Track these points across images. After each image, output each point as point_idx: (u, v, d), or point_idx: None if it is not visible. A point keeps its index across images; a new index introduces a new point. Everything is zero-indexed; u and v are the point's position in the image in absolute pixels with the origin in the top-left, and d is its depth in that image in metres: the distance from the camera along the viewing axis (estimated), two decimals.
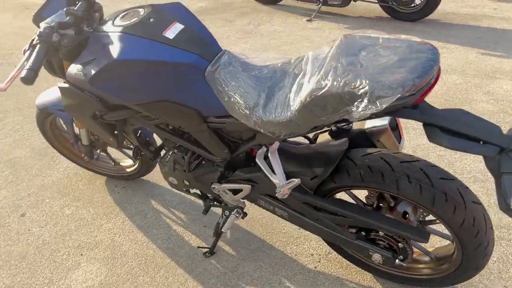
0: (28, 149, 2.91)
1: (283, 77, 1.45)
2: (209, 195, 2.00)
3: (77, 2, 1.77)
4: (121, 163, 2.55)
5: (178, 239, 2.16)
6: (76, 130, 2.47)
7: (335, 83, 1.20)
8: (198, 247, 2.06)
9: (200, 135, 1.66)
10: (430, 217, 1.68)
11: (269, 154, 1.58)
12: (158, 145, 2.13)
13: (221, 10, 5.57)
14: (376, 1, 4.81)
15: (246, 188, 1.74)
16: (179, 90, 1.53)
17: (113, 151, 2.72)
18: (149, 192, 2.48)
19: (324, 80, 1.22)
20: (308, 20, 5.03)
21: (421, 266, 1.75)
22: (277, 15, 5.27)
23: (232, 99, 1.45)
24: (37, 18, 1.68)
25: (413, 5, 4.66)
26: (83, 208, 2.38)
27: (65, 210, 2.38)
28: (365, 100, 1.16)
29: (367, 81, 1.16)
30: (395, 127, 1.63)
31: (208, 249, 2.05)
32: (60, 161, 2.76)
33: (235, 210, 1.88)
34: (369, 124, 1.61)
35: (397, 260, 1.62)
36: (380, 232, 1.62)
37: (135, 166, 2.44)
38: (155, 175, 2.60)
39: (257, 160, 1.63)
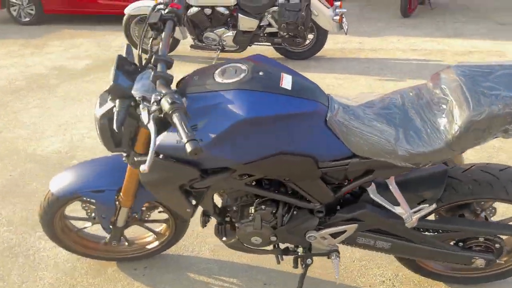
0: None
1: (402, 110, 1.53)
2: (290, 246, 1.92)
3: (151, 65, 1.60)
4: (135, 241, 2.23)
5: None
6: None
7: (493, 106, 1.36)
8: None
9: (306, 182, 1.62)
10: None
11: (390, 187, 1.63)
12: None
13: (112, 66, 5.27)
14: (270, 44, 5.18)
15: (351, 228, 1.74)
16: (300, 140, 1.50)
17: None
18: (178, 265, 2.22)
19: (479, 106, 1.37)
20: None
21: None
22: (175, 66, 5.21)
23: (366, 139, 1.48)
24: (118, 88, 1.45)
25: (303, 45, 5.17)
26: None
27: None
28: None
29: None
30: None
31: None
32: (41, 258, 2.27)
33: (334, 254, 1.85)
34: None
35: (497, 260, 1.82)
36: (480, 238, 1.79)
37: (163, 239, 2.17)
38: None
39: (372, 196, 1.66)
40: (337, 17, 4.82)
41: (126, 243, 2.19)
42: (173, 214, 2.01)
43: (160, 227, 2.20)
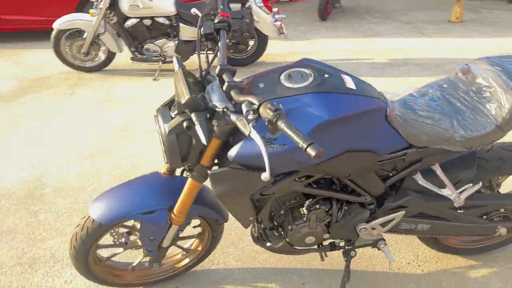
0: None
1: (446, 100, 1.68)
2: (336, 242, 1.98)
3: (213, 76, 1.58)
4: (164, 262, 2.12)
5: None
6: None
7: None
8: None
9: (362, 177, 1.70)
10: None
11: (437, 172, 1.77)
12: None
13: (45, 86, 4.85)
14: (212, 52, 5.17)
15: (399, 215, 1.85)
16: (366, 136, 1.58)
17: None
18: (210, 279, 2.16)
19: None
20: (154, 79, 4.96)
21: None
22: (115, 80, 4.98)
23: (424, 129, 1.60)
24: (194, 101, 1.40)
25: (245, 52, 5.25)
26: None
27: None
28: None
29: None
30: None
31: None
32: None
33: (382, 242, 1.94)
34: None
35: None
36: (501, 209, 2.01)
37: (194, 255, 2.10)
38: None
39: (420, 183, 1.79)
40: (278, 23, 4.98)
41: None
42: (212, 227, 1.96)
43: (189, 243, 2.13)
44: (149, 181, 1.79)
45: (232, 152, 1.50)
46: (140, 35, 4.94)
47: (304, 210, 1.82)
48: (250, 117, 1.29)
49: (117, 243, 1.91)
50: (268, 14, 5.02)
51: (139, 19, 4.84)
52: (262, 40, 5.23)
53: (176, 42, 4.96)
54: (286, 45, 6.21)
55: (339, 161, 1.58)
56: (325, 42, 6.33)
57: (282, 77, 1.57)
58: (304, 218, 1.80)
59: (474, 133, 1.60)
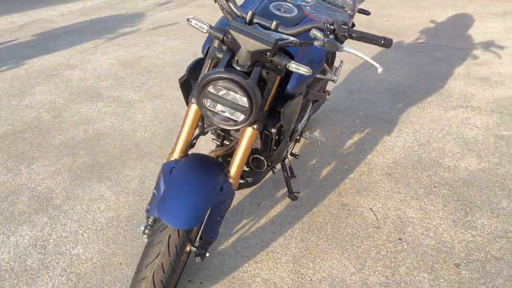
0: None
1: (313, 9, 2.22)
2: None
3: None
4: None
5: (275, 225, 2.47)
6: None
7: None
8: (290, 196, 2.54)
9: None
10: None
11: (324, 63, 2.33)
12: None
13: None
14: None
15: (308, 105, 2.37)
16: None
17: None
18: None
19: None
20: None
21: None
22: None
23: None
24: (277, 43, 1.46)
25: None
26: None
27: None
28: None
29: None
30: None
31: (291, 194, 2.56)
32: None
33: (306, 134, 2.54)
34: None
35: None
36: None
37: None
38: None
39: (317, 75, 2.31)
40: None
41: None
42: None
43: None
44: (187, 168, 1.67)
45: (292, 83, 1.73)
46: None
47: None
48: (331, 36, 1.51)
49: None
50: None
51: None
52: None
53: None
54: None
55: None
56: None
57: (274, 11, 1.82)
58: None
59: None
